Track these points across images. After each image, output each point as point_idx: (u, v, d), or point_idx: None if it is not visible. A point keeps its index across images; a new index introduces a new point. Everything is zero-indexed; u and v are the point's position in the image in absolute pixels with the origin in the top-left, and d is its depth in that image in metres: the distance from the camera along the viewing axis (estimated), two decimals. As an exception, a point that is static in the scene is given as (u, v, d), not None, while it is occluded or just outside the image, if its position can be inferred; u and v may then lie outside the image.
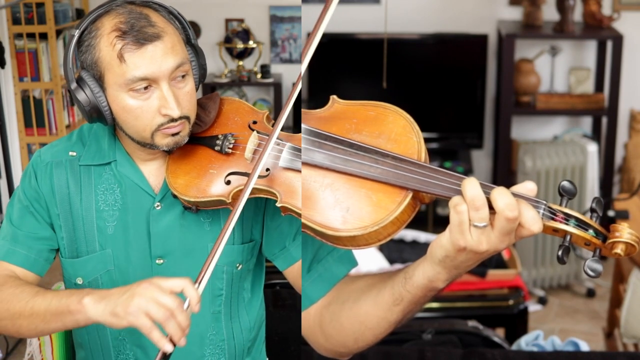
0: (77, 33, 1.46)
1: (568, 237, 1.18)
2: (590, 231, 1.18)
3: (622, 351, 3.25)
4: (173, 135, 1.46)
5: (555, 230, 1.19)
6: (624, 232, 1.18)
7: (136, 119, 1.45)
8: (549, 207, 1.18)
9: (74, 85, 1.46)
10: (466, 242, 1.19)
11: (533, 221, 1.15)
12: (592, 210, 1.21)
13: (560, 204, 1.20)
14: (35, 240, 1.59)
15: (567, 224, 1.18)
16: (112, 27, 1.43)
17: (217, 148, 1.47)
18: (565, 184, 1.21)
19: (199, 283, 1.35)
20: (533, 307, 4.12)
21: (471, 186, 1.16)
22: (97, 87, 1.45)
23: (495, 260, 3.25)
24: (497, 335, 2.83)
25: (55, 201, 1.57)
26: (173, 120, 1.44)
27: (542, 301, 4.20)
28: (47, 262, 1.62)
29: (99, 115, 1.47)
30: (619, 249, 1.18)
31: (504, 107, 4.44)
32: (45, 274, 1.63)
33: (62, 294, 1.44)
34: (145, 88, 1.43)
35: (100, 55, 1.43)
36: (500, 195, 1.15)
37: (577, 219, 1.18)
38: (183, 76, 1.46)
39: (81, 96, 1.45)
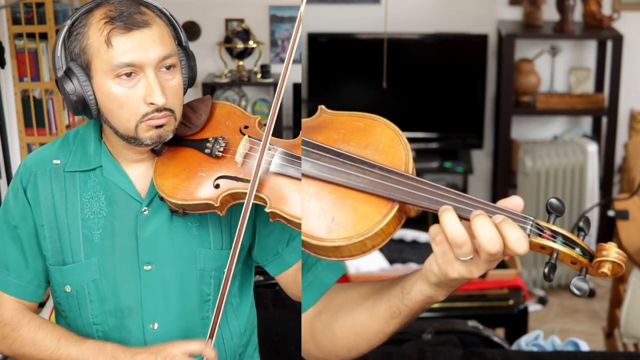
0: (68, 23, 1.46)
1: (555, 255, 1.16)
2: (577, 249, 1.17)
3: (622, 351, 3.25)
4: (157, 127, 1.45)
5: (542, 248, 1.17)
6: (611, 251, 1.16)
7: (121, 107, 1.43)
8: (537, 224, 1.17)
9: (60, 74, 1.46)
10: (456, 273, 1.18)
11: (518, 243, 1.12)
12: (580, 229, 1.19)
13: (548, 221, 1.19)
14: (24, 269, 1.60)
15: (554, 242, 1.16)
16: (101, 16, 1.43)
17: (207, 151, 1.46)
18: (553, 201, 1.19)
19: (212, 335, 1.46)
20: (533, 307, 4.12)
21: (448, 221, 1.14)
22: (84, 76, 1.44)
23: (495, 260, 3.25)
24: (497, 335, 2.82)
25: (40, 211, 1.56)
26: (158, 110, 1.43)
27: (542, 301, 4.20)
28: (40, 289, 1.62)
29: (84, 106, 1.46)
30: (606, 269, 1.16)
31: (503, 107, 4.44)
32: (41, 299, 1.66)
33: (85, 351, 1.53)
34: (130, 75, 1.42)
35: (88, 43, 1.43)
36: (481, 227, 1.12)
37: (564, 236, 1.17)
38: (169, 68, 1.45)
39: (68, 86, 1.45)
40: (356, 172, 1.25)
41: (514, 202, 1.18)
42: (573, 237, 1.18)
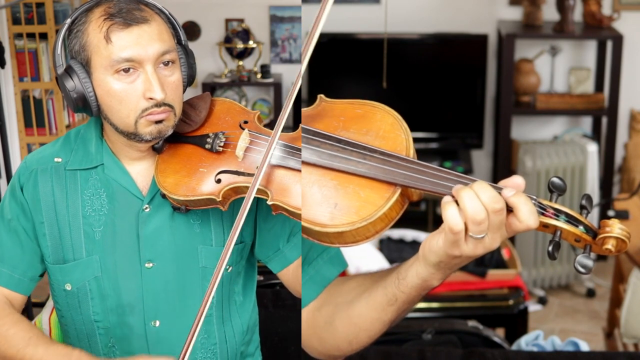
0: (68, 22, 1.47)
1: (558, 233, 1.17)
2: (581, 227, 1.18)
3: (622, 351, 3.25)
4: (157, 123, 1.45)
5: (545, 226, 1.18)
6: (614, 228, 1.17)
7: (120, 102, 1.44)
8: (539, 203, 1.18)
9: (61, 71, 1.47)
10: (462, 252, 1.19)
11: (529, 215, 1.15)
12: (582, 207, 1.20)
13: (550, 200, 1.19)
14: (19, 261, 1.59)
15: (557, 220, 1.17)
16: (100, 13, 1.44)
17: (207, 146, 1.46)
18: (555, 180, 1.20)
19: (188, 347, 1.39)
20: (533, 307, 4.12)
21: (468, 198, 1.15)
22: (84, 73, 1.45)
23: (495, 260, 3.25)
24: (497, 335, 2.82)
25: (40, 209, 1.56)
26: (157, 105, 1.44)
27: (542, 301, 4.20)
28: (33, 282, 1.62)
29: (84, 103, 1.47)
30: (610, 245, 1.17)
31: (503, 107, 4.44)
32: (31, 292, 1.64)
33: (51, 353, 1.50)
34: (128, 71, 1.42)
35: (87, 39, 1.44)
36: (481, 190, 1.15)
37: (567, 214, 1.18)
38: (167, 63, 1.46)
39: (68, 83, 1.45)
40: (357, 157, 1.26)
41: (515, 182, 1.19)
42: (576, 214, 1.18)
